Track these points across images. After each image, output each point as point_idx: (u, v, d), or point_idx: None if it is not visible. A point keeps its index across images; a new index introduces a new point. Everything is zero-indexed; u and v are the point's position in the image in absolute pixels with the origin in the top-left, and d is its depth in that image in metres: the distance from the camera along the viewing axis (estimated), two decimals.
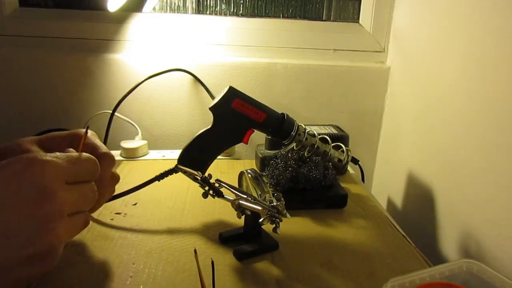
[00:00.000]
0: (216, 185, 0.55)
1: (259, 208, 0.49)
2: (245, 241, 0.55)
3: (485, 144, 0.64)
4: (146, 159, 0.90)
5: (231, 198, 0.54)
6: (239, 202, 0.52)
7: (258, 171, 0.55)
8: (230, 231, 0.57)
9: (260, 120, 0.58)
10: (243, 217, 0.55)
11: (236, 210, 0.53)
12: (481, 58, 0.66)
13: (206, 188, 0.56)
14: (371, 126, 1.10)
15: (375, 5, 1.05)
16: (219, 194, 0.55)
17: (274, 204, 0.49)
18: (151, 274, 0.49)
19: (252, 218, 0.54)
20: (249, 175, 0.55)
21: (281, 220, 0.49)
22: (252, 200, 0.51)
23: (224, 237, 0.56)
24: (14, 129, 1.02)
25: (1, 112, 1.01)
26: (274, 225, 0.49)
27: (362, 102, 1.08)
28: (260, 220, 0.48)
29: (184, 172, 0.57)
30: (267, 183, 0.54)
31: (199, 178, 0.56)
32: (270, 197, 0.51)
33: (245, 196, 0.52)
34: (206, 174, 0.56)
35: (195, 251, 0.40)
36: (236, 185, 0.57)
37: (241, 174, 0.58)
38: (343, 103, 1.07)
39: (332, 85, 1.06)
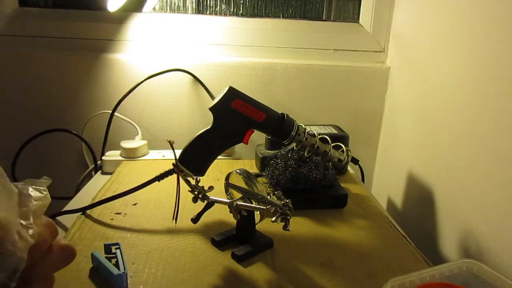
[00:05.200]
0: (208, 191, 0.55)
1: (266, 207, 0.49)
2: (240, 242, 0.55)
3: (485, 144, 0.64)
4: (146, 159, 0.90)
5: (227, 201, 0.53)
6: (237, 204, 0.52)
7: (248, 170, 0.55)
8: (222, 234, 0.57)
9: (260, 120, 0.58)
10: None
11: (233, 212, 0.53)
12: (482, 58, 0.66)
13: (196, 192, 0.56)
14: (371, 126, 1.10)
15: (375, 5, 1.05)
16: (208, 199, 0.56)
17: (285, 202, 0.49)
18: (151, 274, 0.49)
19: (248, 218, 0.54)
20: (241, 175, 0.54)
21: (290, 217, 0.49)
22: (262, 200, 0.50)
23: (217, 241, 0.55)
24: (13, 128, 1.02)
25: (1, 112, 1.01)
26: (284, 223, 0.48)
27: (362, 102, 1.08)
28: (273, 219, 0.48)
29: (181, 172, 0.57)
30: (260, 182, 0.54)
31: (192, 182, 0.56)
32: (279, 195, 0.51)
33: (259, 196, 0.51)
34: (201, 178, 0.57)
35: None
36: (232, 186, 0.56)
37: (228, 175, 0.57)
38: (343, 103, 1.07)
39: (332, 85, 1.06)
